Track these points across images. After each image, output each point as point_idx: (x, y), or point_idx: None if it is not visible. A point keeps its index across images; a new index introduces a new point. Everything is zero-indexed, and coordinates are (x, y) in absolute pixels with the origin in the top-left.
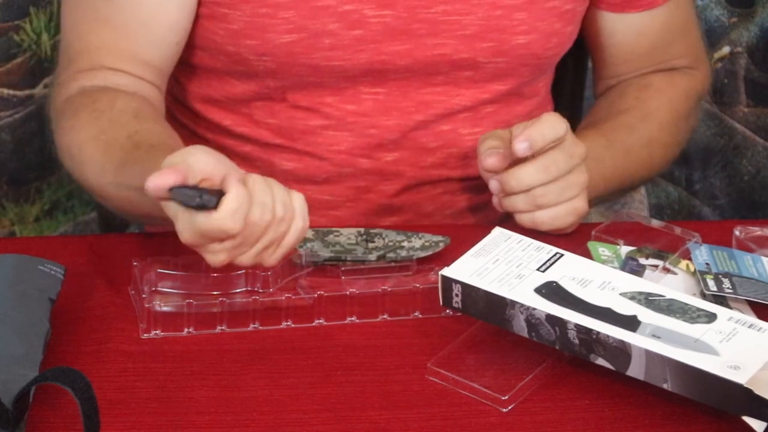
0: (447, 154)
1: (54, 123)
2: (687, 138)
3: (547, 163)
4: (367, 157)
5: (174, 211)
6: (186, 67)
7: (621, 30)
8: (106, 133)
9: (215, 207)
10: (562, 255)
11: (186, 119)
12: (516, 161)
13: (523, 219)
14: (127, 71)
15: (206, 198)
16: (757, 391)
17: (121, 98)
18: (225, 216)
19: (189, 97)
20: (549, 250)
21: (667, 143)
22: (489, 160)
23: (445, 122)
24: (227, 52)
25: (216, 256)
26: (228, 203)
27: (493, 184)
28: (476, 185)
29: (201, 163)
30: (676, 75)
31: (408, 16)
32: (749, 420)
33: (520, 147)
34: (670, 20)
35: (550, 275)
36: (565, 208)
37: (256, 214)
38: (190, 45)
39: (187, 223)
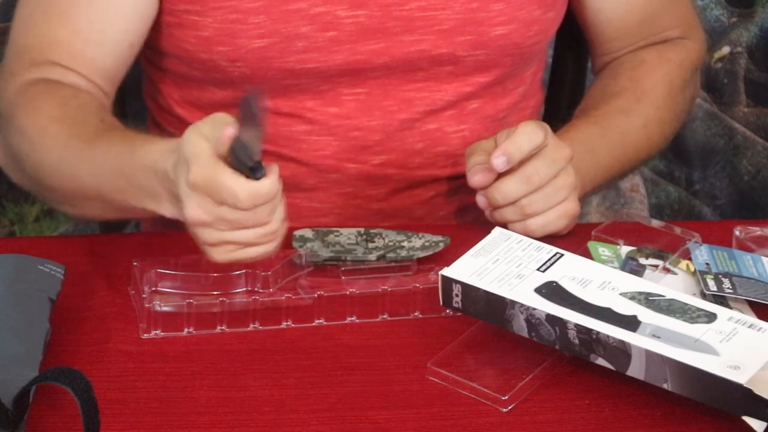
0: (434, 154)
1: (5, 108)
2: (687, 110)
3: (529, 173)
4: (353, 161)
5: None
6: (166, 74)
7: (607, 7)
8: (74, 117)
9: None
10: (562, 255)
11: (172, 128)
12: (501, 173)
13: (515, 228)
14: (80, 72)
15: (261, 166)
16: (757, 391)
17: (83, 93)
18: (266, 185)
19: (172, 103)
20: (549, 250)
21: (665, 120)
22: (474, 178)
23: (430, 121)
24: (200, 60)
25: (212, 235)
26: (273, 176)
27: (481, 200)
28: (467, 185)
29: None
30: (668, 48)
31: (382, 14)
32: (749, 420)
33: (498, 162)
34: None
35: (550, 275)
36: (555, 212)
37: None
38: (164, 54)
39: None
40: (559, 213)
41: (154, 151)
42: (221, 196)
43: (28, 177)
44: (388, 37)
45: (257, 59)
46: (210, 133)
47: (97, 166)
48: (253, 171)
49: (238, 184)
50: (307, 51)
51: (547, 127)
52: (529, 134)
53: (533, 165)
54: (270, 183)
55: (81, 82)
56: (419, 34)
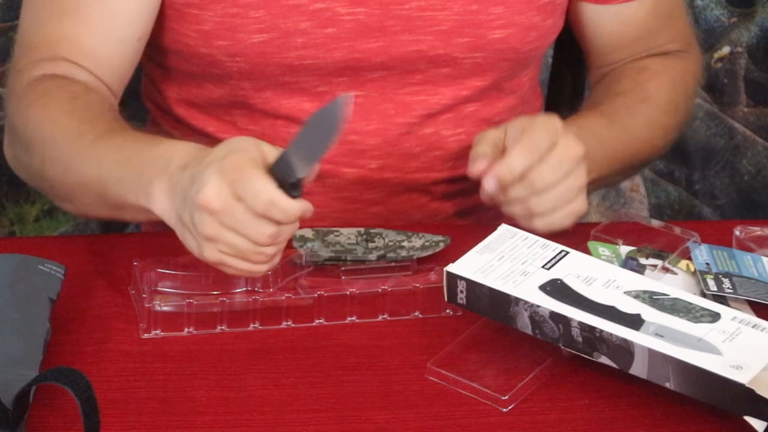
0: (431, 158)
1: (15, 103)
2: (685, 120)
3: (533, 179)
4: (350, 165)
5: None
6: (164, 71)
7: (607, 21)
8: (84, 111)
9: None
10: (567, 253)
11: (171, 128)
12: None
13: (520, 223)
14: (89, 69)
15: (299, 188)
16: (758, 391)
17: (93, 91)
18: (290, 204)
19: (171, 103)
20: (554, 247)
21: (667, 125)
22: (473, 168)
23: (427, 125)
24: (200, 55)
25: (214, 246)
26: (304, 204)
27: (486, 192)
28: (464, 188)
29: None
30: (670, 58)
31: (381, 12)
32: (750, 420)
33: (489, 185)
34: (656, 7)
35: (554, 273)
36: (562, 212)
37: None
38: (164, 49)
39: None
40: (566, 213)
41: (183, 146)
42: (244, 189)
43: (33, 171)
44: (386, 35)
45: (256, 54)
46: (265, 148)
47: (104, 156)
48: (291, 188)
49: (264, 186)
50: (306, 47)
51: (558, 126)
52: (523, 154)
53: (538, 170)
54: (296, 205)
55: (90, 80)
56: (418, 33)
